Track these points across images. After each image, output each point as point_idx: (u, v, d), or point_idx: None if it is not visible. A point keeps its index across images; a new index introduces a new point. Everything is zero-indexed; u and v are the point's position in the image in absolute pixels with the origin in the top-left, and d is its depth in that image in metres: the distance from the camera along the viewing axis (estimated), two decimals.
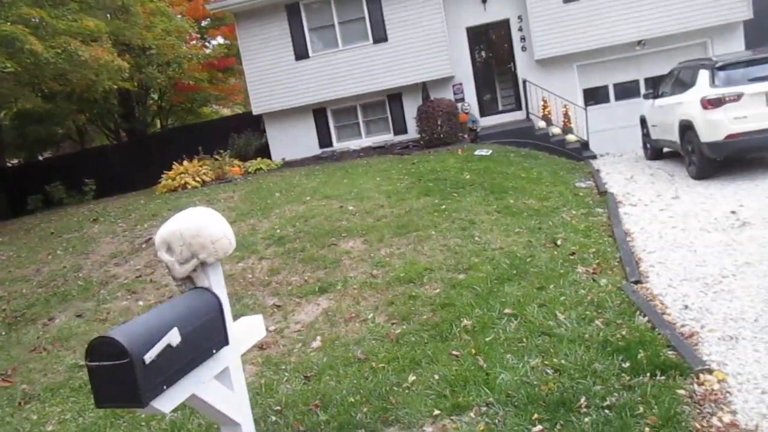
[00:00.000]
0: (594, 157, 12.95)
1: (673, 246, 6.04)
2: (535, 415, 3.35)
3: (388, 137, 15.34)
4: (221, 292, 2.45)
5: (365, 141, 15.43)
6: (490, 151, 12.09)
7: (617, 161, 12.30)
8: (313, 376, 4.37)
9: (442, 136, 13.41)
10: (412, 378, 4.04)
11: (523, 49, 14.56)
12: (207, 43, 27.09)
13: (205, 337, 2.23)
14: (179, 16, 19.68)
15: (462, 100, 14.58)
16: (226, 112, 31.19)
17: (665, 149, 11.12)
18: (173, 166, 13.96)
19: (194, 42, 24.09)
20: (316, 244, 7.19)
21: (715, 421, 3.11)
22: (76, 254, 8.85)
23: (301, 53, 14.99)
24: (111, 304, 6.82)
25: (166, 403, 1.97)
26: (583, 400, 3.40)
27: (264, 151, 16.32)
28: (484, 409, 3.53)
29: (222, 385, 2.34)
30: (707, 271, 5.19)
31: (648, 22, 13.29)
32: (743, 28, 13.48)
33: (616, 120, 14.29)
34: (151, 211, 10.56)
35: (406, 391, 3.88)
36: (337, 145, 15.63)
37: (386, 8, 14.40)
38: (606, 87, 14.55)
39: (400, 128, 15.25)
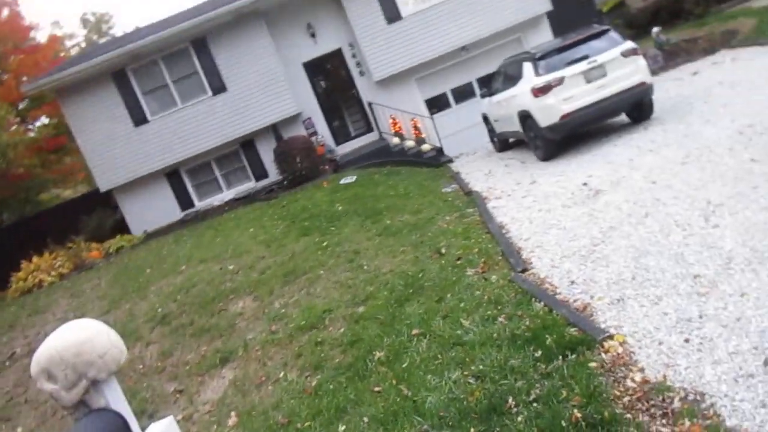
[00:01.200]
0: (451, 160, 13.56)
1: (544, 228, 6.44)
2: (471, 430, 3.37)
3: (250, 185, 15.03)
4: (123, 407, 2.20)
5: (228, 194, 15.01)
6: (355, 177, 12.24)
7: (472, 160, 12.98)
8: None
9: (303, 172, 13.37)
10: (342, 428, 3.92)
11: (361, 73, 14.97)
12: (30, 126, 25.06)
13: None
14: None
15: (315, 133, 14.67)
16: (68, 193, 28.96)
17: (511, 140, 11.91)
18: (22, 265, 12.65)
19: (14, 127, 22.14)
20: (204, 313, 6.82)
21: (629, 383, 3.31)
22: None
23: (139, 118, 14.29)
24: None
25: None
26: (510, 400, 3.48)
27: (122, 227, 15.29)
28: None
29: None
30: (580, 243, 5.59)
31: (467, 29, 14.26)
32: (547, 19, 14.88)
33: (461, 122, 15.11)
34: (6, 322, 9.47)
35: None
36: (200, 204, 15.05)
37: (218, 58, 14.18)
38: (445, 94, 15.37)
39: (260, 173, 15.02)
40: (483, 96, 12.10)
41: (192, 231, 12.28)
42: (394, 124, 14.53)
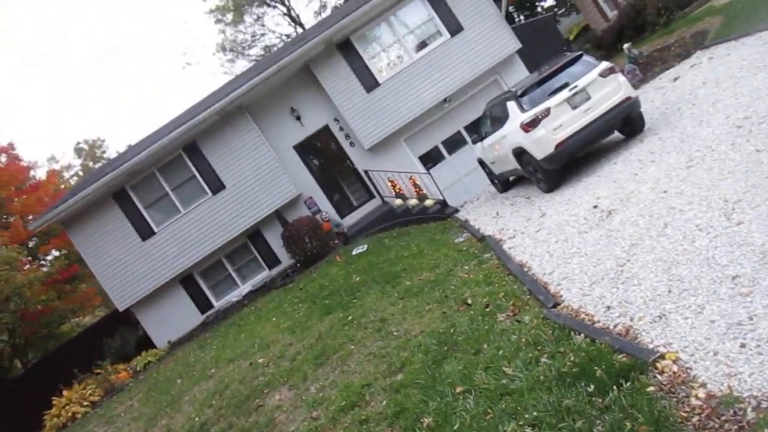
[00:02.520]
0: (456, 210, 13.53)
1: (565, 258, 6.33)
2: None
3: (264, 274, 15.02)
4: None
5: (244, 287, 14.98)
6: (365, 246, 12.21)
7: (477, 205, 12.96)
8: None
9: (314, 251, 13.38)
10: None
11: (352, 144, 15.21)
12: (42, 261, 25.38)
13: None
14: (1, 247, 18.28)
15: (318, 211, 14.77)
16: (88, 320, 28.99)
17: (511, 178, 11.94)
18: (54, 401, 12.48)
19: (27, 266, 22.42)
20: (241, 413, 6.62)
21: (693, 401, 3.15)
22: None
23: (145, 232, 14.45)
24: None
25: None
26: None
27: (146, 342, 15.21)
28: None
29: None
30: (605, 267, 5.46)
31: (444, 81, 14.57)
32: (519, 56, 15.22)
33: (458, 171, 15.23)
34: None
35: None
36: (218, 303, 15.00)
37: (211, 158, 14.47)
38: (437, 147, 15.55)
39: (272, 260, 15.03)
40: (474, 142, 12.22)
41: (215, 332, 12.17)
42: (393, 186, 14.64)
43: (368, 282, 9.20)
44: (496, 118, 10.53)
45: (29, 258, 23.43)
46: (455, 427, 4.24)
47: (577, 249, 6.35)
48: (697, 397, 3.16)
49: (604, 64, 9.22)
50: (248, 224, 14.55)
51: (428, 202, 14.09)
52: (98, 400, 12.38)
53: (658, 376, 3.49)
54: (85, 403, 12.26)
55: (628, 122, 9.43)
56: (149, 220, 14.51)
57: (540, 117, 9.02)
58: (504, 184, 12.17)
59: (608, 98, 8.94)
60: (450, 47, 14.60)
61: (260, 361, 7.89)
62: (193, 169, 14.52)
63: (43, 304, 20.67)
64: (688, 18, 16.29)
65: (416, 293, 7.68)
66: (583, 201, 7.99)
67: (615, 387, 3.57)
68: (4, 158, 24.07)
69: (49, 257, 25.60)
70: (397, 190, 14.58)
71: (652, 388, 3.40)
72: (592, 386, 3.70)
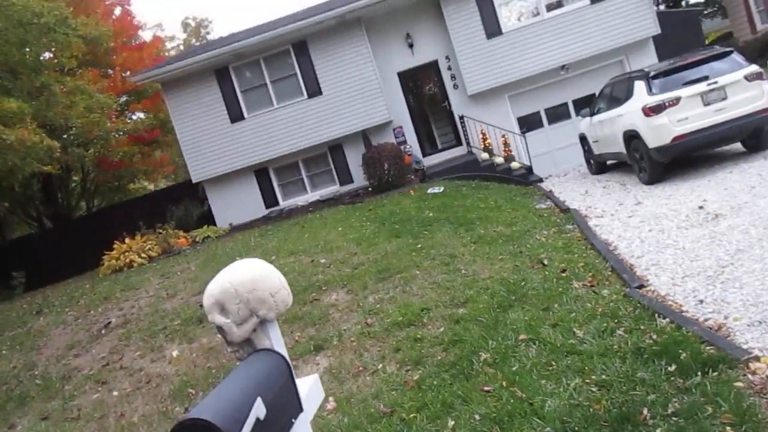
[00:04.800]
0: (540, 180, 13.21)
1: (658, 247, 6.08)
2: None
3: (334, 188, 15.18)
4: (283, 351, 2.14)
5: (312, 195, 15.21)
6: (442, 188, 12.12)
7: (564, 180, 12.60)
8: None
9: (390, 179, 13.37)
10: (451, 423, 3.74)
11: (455, 86, 14.90)
12: (128, 119, 26.35)
13: (282, 406, 1.90)
14: (99, 93, 19.06)
15: (404, 142, 14.68)
16: (151, 188, 30.20)
17: (609, 162, 11.49)
18: (114, 246, 13.21)
19: (114, 119, 23.36)
20: (296, 301, 6.81)
21: None
22: (25, 351, 8.04)
23: (236, 115, 14.75)
24: (80, 399, 6.14)
25: None
26: (645, 411, 3.22)
27: (207, 219, 15.79)
28: None
29: None
30: (704, 264, 5.22)
31: (569, 47, 13.94)
32: (653, 43, 14.36)
33: (552, 143, 14.76)
34: (101, 295, 9.84)
35: None
36: (284, 203, 15.31)
37: (316, 62, 14.47)
38: (538, 113, 15.05)
39: (346, 178, 15.14)
40: (583, 116, 11.73)
41: (277, 227, 12.48)
42: (484, 139, 14.35)
43: (441, 220, 9.15)
44: (617, 95, 10.03)
45: (118, 110, 24.31)
46: (514, 368, 4.22)
47: (673, 241, 6.09)
48: None
49: (754, 68, 8.58)
50: (334, 136, 14.63)
51: (514, 164, 13.79)
52: (155, 256, 13.03)
53: (750, 375, 3.34)
54: (143, 256, 12.93)
55: (756, 135, 8.82)
56: (242, 104, 14.77)
57: (666, 104, 8.54)
58: (600, 165, 11.73)
59: (746, 103, 8.35)
60: (586, 14, 13.89)
61: (322, 261, 8.05)
62: (297, 67, 14.58)
63: (121, 158, 21.60)
64: None
65: (489, 242, 7.60)
66: (686, 200, 7.61)
67: (699, 373, 3.44)
68: (118, 11, 24.75)
69: (135, 117, 26.50)
70: (487, 144, 14.29)
71: (740, 384, 3.25)
72: (674, 366, 3.58)
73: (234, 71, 14.75)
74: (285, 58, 14.68)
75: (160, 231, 14.12)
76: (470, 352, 4.66)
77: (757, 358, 3.48)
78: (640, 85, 9.08)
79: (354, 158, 14.79)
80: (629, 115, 9.22)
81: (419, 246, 7.73)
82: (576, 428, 3.28)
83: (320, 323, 6.12)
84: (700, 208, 6.99)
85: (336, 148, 15.11)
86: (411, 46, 14.77)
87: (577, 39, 13.89)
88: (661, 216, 7.25)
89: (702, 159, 9.67)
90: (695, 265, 5.27)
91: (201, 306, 7.56)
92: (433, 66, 15.02)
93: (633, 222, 7.43)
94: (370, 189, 13.86)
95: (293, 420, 1.98)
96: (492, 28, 14.10)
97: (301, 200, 15.18)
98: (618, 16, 13.78)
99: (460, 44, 14.18)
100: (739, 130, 8.53)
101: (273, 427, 1.79)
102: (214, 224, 15.27)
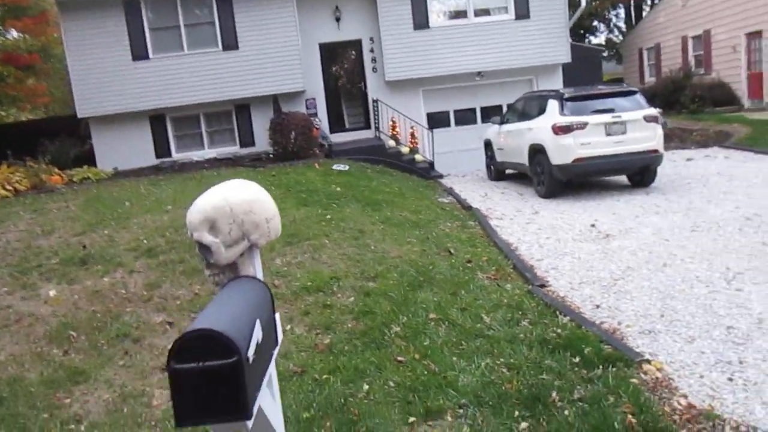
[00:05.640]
0: (441, 176, 13.62)
1: (557, 254, 6.51)
2: (515, 413, 3.31)
3: (234, 149, 14.64)
4: (263, 280, 2.05)
5: (209, 152, 14.55)
6: (348, 167, 12.12)
7: (464, 181, 13.09)
8: None
9: (296, 150, 13.11)
10: (365, 387, 3.78)
11: (374, 69, 14.94)
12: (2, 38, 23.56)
13: (268, 336, 1.82)
14: None
15: (315, 115, 14.47)
16: (24, 118, 27.32)
17: (508, 171, 12.09)
18: None
19: None
20: (195, 254, 6.50)
21: (675, 404, 3.34)
22: None
23: (139, 54, 13.73)
24: None
25: (251, 416, 1.54)
26: (554, 394, 3.45)
27: (87, 160, 14.50)
28: (460, 411, 3.41)
29: (270, 394, 1.93)
30: (599, 275, 5.67)
31: (488, 56, 14.50)
32: (561, 70, 15.32)
33: (456, 144, 15.26)
34: None
35: (365, 401, 3.62)
36: (177, 156, 14.50)
37: (238, 15, 13.85)
38: (447, 112, 15.52)
39: (248, 140, 14.67)
40: (494, 122, 12.22)
41: (169, 179, 11.82)
42: (393, 127, 14.52)
43: (348, 197, 9.17)
44: (529, 109, 10.58)
45: None
46: (426, 343, 4.34)
47: (570, 251, 6.55)
48: (678, 403, 3.35)
49: (652, 110, 9.43)
50: (243, 95, 14.09)
51: (418, 157, 14.10)
52: (23, 190, 11.82)
53: (643, 375, 3.68)
54: (8, 187, 11.69)
55: (642, 171, 9.70)
56: (149, 43, 13.77)
57: (575, 126, 9.14)
58: (499, 173, 12.32)
59: (641, 141, 9.16)
60: (509, 28, 14.52)
61: None
62: (216, 15, 13.85)
63: None
64: (717, 116, 16.80)
65: (397, 225, 7.73)
66: (579, 217, 8.21)
67: (601, 367, 3.74)
68: None
69: (10, 35, 23.74)
70: (395, 133, 14.48)
71: (635, 381, 3.57)
72: (578, 359, 3.87)
73: (145, 4, 13.71)
74: (206, 3, 13.90)
75: (31, 165, 12.83)
76: (381, 324, 4.73)
77: (648, 361, 3.84)
78: (553, 104, 9.65)
79: (260, 122, 14.37)
80: (539, 130, 9.77)
81: (328, 217, 7.69)
82: (491, 403, 3.45)
83: None
84: (593, 226, 7.58)
85: (243, 108, 14.57)
86: (338, 20, 14.59)
87: (497, 49, 14.48)
88: (557, 227, 7.76)
89: (592, 185, 10.47)
90: (591, 275, 5.71)
91: (84, 247, 7.00)
92: (356, 45, 14.95)
93: (531, 228, 7.89)
94: (272, 155, 13.53)
95: (272, 352, 1.91)
96: (420, 19, 14.30)
97: (196, 155, 14.47)
98: (538, 38, 14.55)
99: (386, 29, 14.24)
100: (631, 164, 9.34)
101: (263, 355, 1.71)
102: (95, 166, 14.12)
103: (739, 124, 15.12)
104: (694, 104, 18.40)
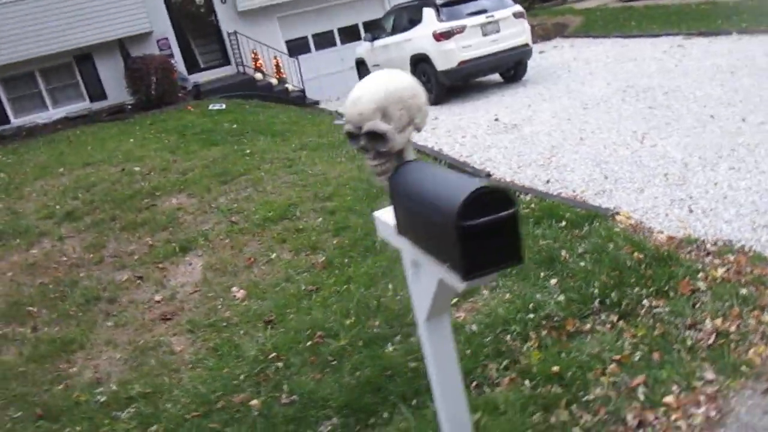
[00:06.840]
0: (317, 103, 13.53)
1: (482, 148, 6.98)
2: (541, 274, 3.71)
3: (84, 105, 13.30)
4: None
5: (56, 112, 13.08)
6: (224, 105, 11.63)
7: (343, 104, 13.11)
8: (275, 318, 3.89)
9: (158, 96, 12.23)
10: (391, 286, 3.96)
11: (223, 1, 14.10)
12: None
13: None
14: None
15: (171, 56, 13.47)
16: None
17: None
18: None
19: None
20: (126, 209, 6.07)
21: (659, 239, 3.94)
22: None
23: None
24: None
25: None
26: (563, 253, 3.89)
27: None
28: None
29: None
30: (531, 157, 6.23)
31: None
32: None
33: (320, 68, 15.12)
34: None
35: (399, 299, 3.80)
36: (17, 121, 12.90)
37: None
38: (306, 38, 15.23)
39: (98, 93, 13.38)
40: (366, 39, 12.25)
41: (26, 145, 10.57)
42: (255, 59, 14.00)
43: (248, 132, 8.92)
44: (403, 21, 10.77)
45: None
46: None
47: (492, 143, 7.05)
48: (661, 239, 3.96)
49: (518, 7, 10.07)
50: (81, 43, 12.66)
51: (290, 86, 13.83)
52: None
53: (620, 225, 4.26)
54: None
55: (515, 66, 10.44)
56: None
57: (455, 31, 9.53)
58: None
59: (514, 37, 9.81)
60: None
61: (136, 169, 7.21)
62: None
63: None
64: (549, 10, 18.24)
65: (315, 149, 7.72)
66: (478, 115, 8.75)
67: (587, 224, 4.25)
68: None
69: None
70: (258, 65, 13.99)
71: (618, 229, 4.13)
72: (563, 223, 4.34)
73: None
74: None
75: None
76: (364, 234, 4.86)
77: (618, 213, 4.43)
78: (429, 12, 9.92)
79: (109, 72, 13.12)
80: (419, 39, 10.03)
81: (248, 152, 7.48)
82: (514, 272, 3.81)
83: (172, 226, 5.61)
84: (496, 120, 8.15)
85: (85, 58, 13.14)
86: None
87: None
88: (464, 127, 8.23)
89: (471, 87, 11.07)
90: (524, 159, 6.25)
91: None
92: None
93: (440, 132, 8.28)
94: (132, 105, 12.51)
95: None
96: None
97: (41, 118, 12.93)
98: None
99: None
100: (508, 60, 10.02)
101: None
102: None
103: (570, 15, 16.59)
104: (525, 2, 19.69)
